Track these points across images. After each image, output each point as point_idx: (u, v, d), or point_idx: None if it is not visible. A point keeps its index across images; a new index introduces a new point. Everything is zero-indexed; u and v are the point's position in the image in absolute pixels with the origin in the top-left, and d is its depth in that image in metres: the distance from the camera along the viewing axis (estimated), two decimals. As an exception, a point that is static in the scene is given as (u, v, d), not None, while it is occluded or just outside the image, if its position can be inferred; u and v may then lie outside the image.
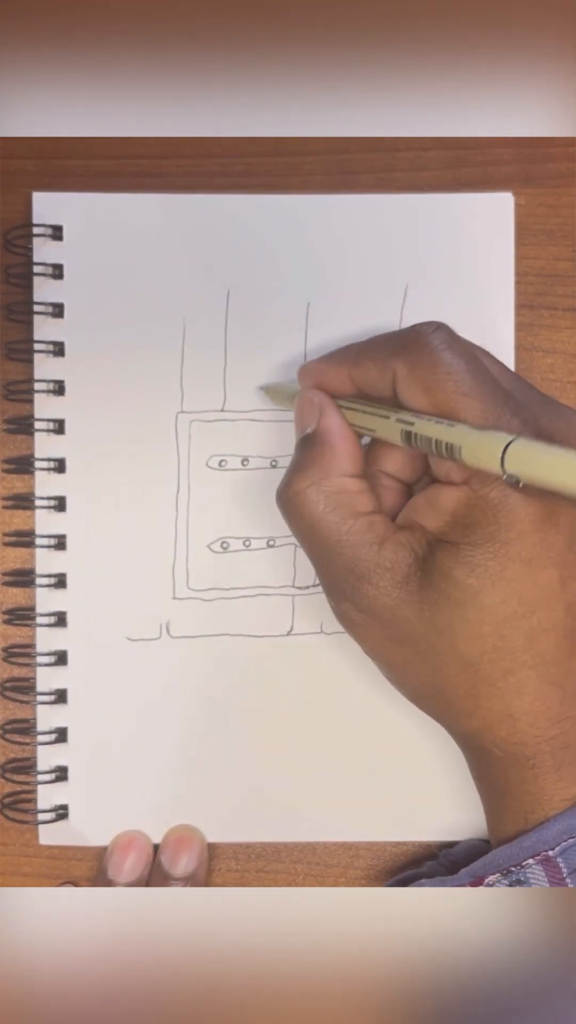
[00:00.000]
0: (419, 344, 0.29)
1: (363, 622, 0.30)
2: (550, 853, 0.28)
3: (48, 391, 0.36)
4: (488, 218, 0.36)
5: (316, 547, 0.30)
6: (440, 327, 0.29)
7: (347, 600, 0.30)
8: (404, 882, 0.34)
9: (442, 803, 0.36)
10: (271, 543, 0.36)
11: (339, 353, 0.31)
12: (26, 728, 0.36)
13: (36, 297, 0.36)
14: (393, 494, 0.32)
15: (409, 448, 0.29)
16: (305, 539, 0.31)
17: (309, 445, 0.31)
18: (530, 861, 0.29)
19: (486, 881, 0.29)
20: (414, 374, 0.29)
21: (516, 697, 0.29)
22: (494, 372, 0.30)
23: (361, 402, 0.31)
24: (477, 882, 0.29)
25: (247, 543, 0.36)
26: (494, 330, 0.36)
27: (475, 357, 0.29)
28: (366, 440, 0.32)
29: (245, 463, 0.36)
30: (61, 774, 0.36)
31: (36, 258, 0.36)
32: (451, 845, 0.36)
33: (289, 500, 0.30)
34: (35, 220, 0.36)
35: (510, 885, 0.29)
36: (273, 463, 0.36)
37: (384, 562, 0.29)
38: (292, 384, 0.34)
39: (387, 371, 0.29)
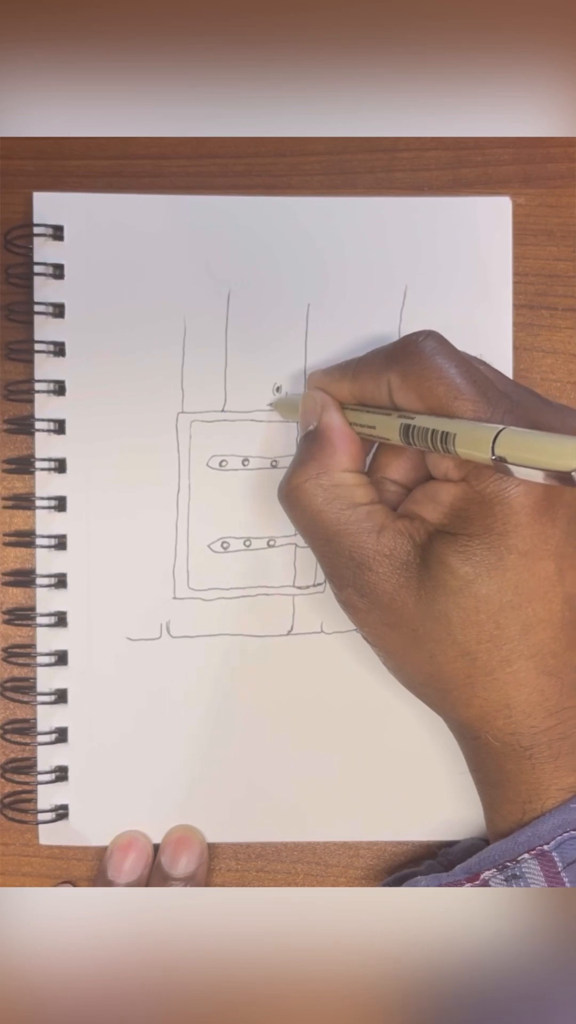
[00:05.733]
0: (409, 353, 0.29)
1: (364, 607, 0.30)
2: (545, 847, 0.29)
3: (49, 391, 0.36)
4: (487, 221, 0.36)
5: (317, 538, 0.31)
6: (430, 335, 0.30)
7: (349, 586, 0.31)
8: (400, 880, 0.34)
9: (442, 803, 0.36)
10: (271, 543, 0.36)
11: (338, 369, 0.32)
12: (26, 728, 0.36)
13: (37, 297, 0.36)
14: (395, 497, 0.32)
15: (408, 446, 0.29)
16: (306, 531, 0.32)
17: (310, 441, 0.32)
18: (525, 856, 0.29)
19: (482, 877, 0.29)
20: (407, 382, 0.29)
21: (513, 688, 0.29)
22: (489, 375, 0.30)
23: (362, 405, 0.32)
24: (473, 878, 0.29)
25: (247, 543, 0.36)
26: (493, 331, 0.36)
27: (465, 360, 0.29)
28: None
29: (245, 463, 0.36)
30: (61, 774, 0.36)
31: (37, 258, 0.36)
32: (451, 844, 0.36)
33: (289, 494, 0.31)
34: (36, 220, 0.36)
35: (506, 880, 0.29)
36: (273, 463, 0.36)
37: (383, 548, 0.30)
38: (293, 395, 0.35)
39: (382, 382, 0.30)
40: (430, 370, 0.29)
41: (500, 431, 0.26)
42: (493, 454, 0.26)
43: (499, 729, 0.29)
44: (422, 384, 0.29)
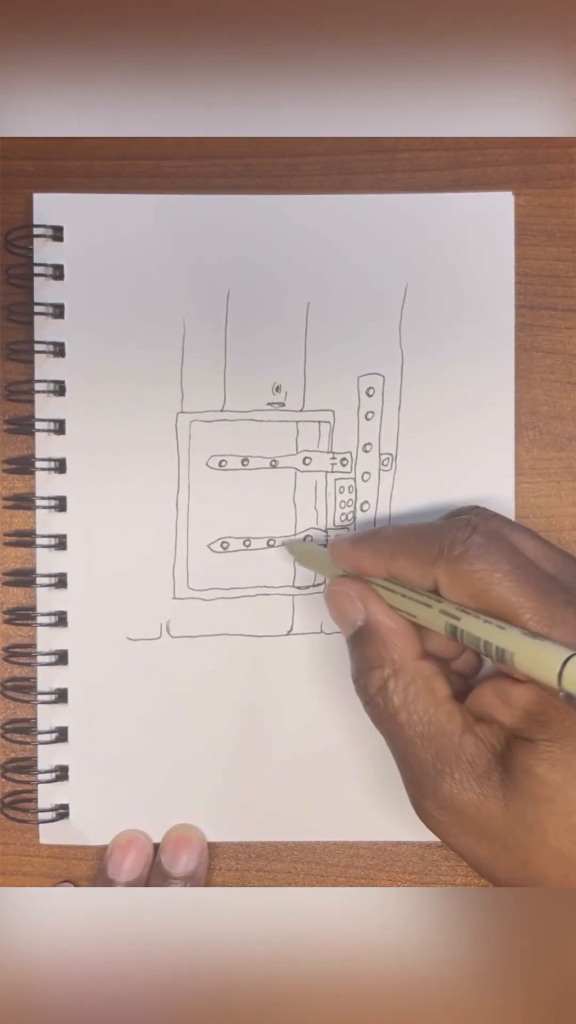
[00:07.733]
0: (456, 553, 0.28)
1: (444, 820, 0.29)
2: None
3: (49, 391, 0.36)
4: (488, 217, 0.36)
5: (400, 740, 0.30)
6: (476, 529, 0.29)
7: (429, 797, 0.29)
8: None
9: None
10: (271, 543, 0.36)
11: (372, 542, 0.31)
12: (27, 728, 0.36)
13: (37, 298, 0.36)
14: (454, 683, 0.31)
15: (454, 641, 0.28)
16: (391, 733, 0.30)
17: (365, 639, 0.31)
18: None
19: None
20: (456, 583, 0.28)
21: None
22: (537, 558, 0.29)
23: (401, 585, 0.30)
24: None
25: (247, 543, 0.36)
26: (494, 330, 0.36)
27: (516, 552, 0.28)
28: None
29: (245, 463, 0.36)
30: (61, 774, 0.36)
31: (37, 259, 0.36)
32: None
33: (373, 697, 0.30)
34: (36, 221, 0.36)
35: None
36: (273, 463, 0.36)
37: (465, 755, 0.29)
38: (313, 546, 0.35)
39: (427, 577, 0.29)
40: (481, 573, 0.27)
41: (567, 660, 0.24)
42: (561, 688, 0.24)
43: None
44: (475, 586, 0.28)
